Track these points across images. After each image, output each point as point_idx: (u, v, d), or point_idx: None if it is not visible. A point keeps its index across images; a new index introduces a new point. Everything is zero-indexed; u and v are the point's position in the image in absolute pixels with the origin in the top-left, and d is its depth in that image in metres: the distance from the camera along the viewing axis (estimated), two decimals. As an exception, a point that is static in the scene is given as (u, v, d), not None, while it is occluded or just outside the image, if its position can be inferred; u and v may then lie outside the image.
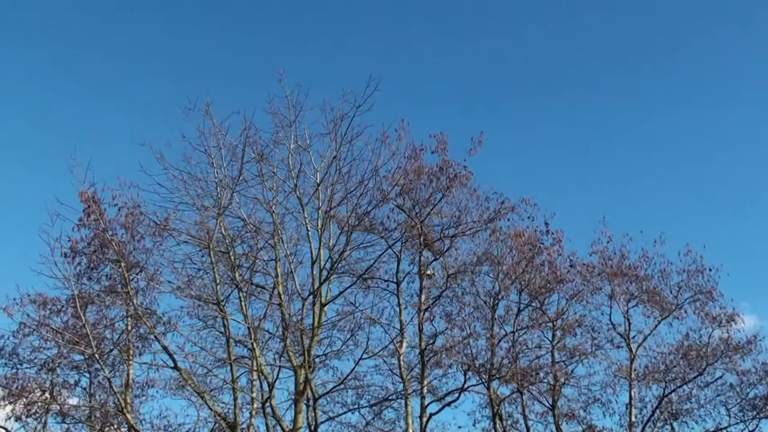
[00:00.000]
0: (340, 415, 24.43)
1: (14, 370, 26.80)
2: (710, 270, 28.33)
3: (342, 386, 23.46)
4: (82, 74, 65.32)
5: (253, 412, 24.20)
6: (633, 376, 28.16)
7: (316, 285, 21.56)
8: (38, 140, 61.42)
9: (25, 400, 26.12)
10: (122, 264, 21.38)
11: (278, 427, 20.93)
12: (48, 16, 66.31)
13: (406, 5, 69.40)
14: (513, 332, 26.17)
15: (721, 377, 28.64)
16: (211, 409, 21.33)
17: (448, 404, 24.81)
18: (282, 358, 21.85)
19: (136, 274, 22.72)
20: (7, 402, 26.20)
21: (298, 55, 64.51)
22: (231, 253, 21.70)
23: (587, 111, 65.47)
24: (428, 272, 26.60)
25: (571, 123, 65.15)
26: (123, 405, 22.46)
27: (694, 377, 28.35)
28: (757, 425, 28.53)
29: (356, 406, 25.14)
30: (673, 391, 28.54)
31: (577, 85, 67.88)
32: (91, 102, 63.98)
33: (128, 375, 26.06)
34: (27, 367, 26.99)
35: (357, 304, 24.17)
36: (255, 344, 21.17)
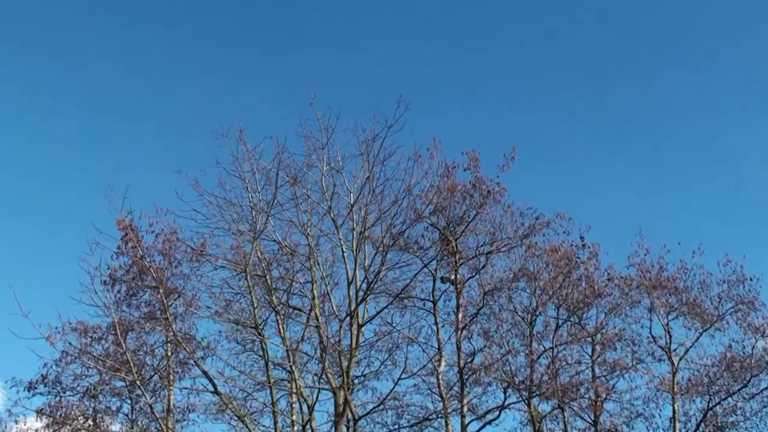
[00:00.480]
0: (380, 435, 24.39)
1: (58, 398, 27.16)
2: (751, 280, 27.85)
3: (381, 407, 23.48)
4: (117, 102, 66.29)
5: (294, 435, 24.23)
6: (676, 389, 27.73)
7: (353, 306, 21.60)
8: (76, 169, 62.47)
9: (69, 427, 26.43)
10: (161, 290, 21.58)
11: (319, 450, 20.93)
12: (80, 46, 67.44)
13: (431, 18, 69.47)
14: (552, 348, 25.96)
15: (766, 388, 28.11)
16: (252, 433, 21.39)
17: (489, 422, 24.65)
18: (321, 380, 21.91)
19: (175, 300, 22.89)
20: (51, 430, 26.54)
21: (327, 75, 64.78)
22: (267, 277, 21.81)
23: (621, 121, 64.75)
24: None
25: (604, 134, 64.59)
26: (165, 430, 22.61)
27: (739, 389, 27.85)
28: (805, 436, 27.96)
29: (396, 427, 25.11)
30: (718, 403, 28.07)
31: (605, 94, 67.25)
32: (127, 130, 64.88)
33: (169, 400, 26.21)
34: (70, 395, 27.34)
35: (394, 324, 24.24)
36: (294, 367, 21.24)
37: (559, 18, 69.54)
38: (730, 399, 28.24)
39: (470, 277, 26.24)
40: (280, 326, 21.91)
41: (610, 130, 64.48)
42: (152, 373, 25.47)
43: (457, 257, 25.32)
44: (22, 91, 61.94)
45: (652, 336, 28.32)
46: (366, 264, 22.40)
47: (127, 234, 23.05)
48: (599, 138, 64.17)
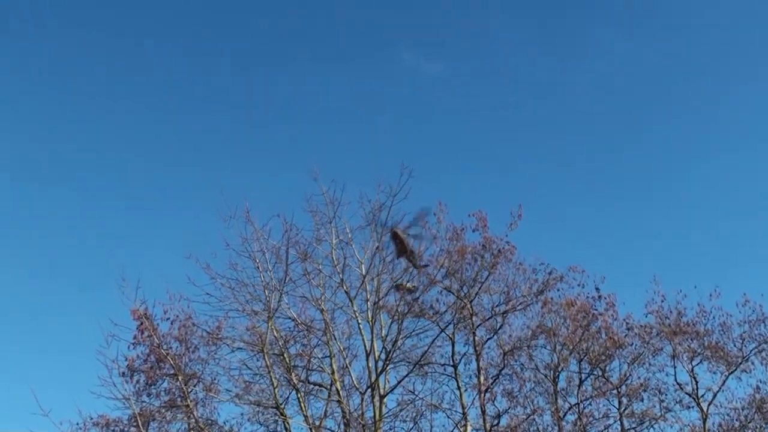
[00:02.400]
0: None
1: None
2: (772, 318, 27.59)
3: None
4: (122, 190, 66.89)
5: None
6: (709, 436, 27.24)
7: (373, 377, 21.43)
8: (86, 263, 62.60)
9: None
10: (179, 377, 21.52)
11: None
12: (83, 132, 68.21)
13: (429, 85, 70.49)
14: (578, 404, 25.64)
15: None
16: None
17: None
18: (347, 456, 21.62)
19: (194, 386, 22.79)
20: None
21: (329, 146, 65.38)
22: (285, 355, 21.74)
23: (624, 169, 65.02)
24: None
25: (606, 184, 64.73)
26: None
27: (772, 430, 27.33)
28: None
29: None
30: (752, 447, 27.52)
31: (608, 141, 67.69)
32: (134, 217, 65.29)
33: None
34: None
35: (416, 392, 24.03)
36: (319, 444, 21.01)
37: (560, 77, 70.57)
38: (764, 442, 27.68)
39: (489, 339, 26.06)
40: (302, 404, 21.72)
41: (612, 179, 64.71)
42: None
43: (473, 319, 25.18)
44: (26, 185, 62.71)
45: (678, 383, 27.94)
46: (383, 334, 22.32)
47: (142, 323, 23.07)
48: (603, 188, 64.34)
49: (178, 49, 69.01)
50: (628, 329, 27.10)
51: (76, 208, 65.40)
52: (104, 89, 66.79)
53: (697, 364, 28.01)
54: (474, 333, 25.60)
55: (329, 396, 21.90)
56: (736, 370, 27.67)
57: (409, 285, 26.59)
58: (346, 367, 22.16)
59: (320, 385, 22.62)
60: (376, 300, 22.29)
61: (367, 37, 71.73)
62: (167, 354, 22.11)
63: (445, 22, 70.90)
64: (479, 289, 25.03)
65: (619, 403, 27.44)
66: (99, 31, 67.76)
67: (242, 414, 23.61)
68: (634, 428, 27.37)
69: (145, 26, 69.48)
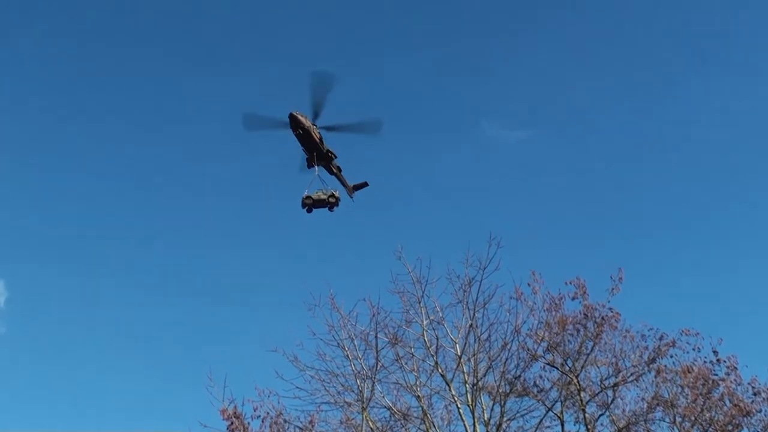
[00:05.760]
0: None
1: None
2: None
3: None
4: (203, 286, 67.46)
5: None
6: None
7: (479, 466, 19.98)
8: (173, 361, 62.62)
9: None
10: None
11: None
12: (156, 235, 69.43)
13: (505, 152, 69.62)
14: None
15: None
16: None
17: None
18: None
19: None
20: None
21: (412, 223, 64.84)
22: (383, 447, 20.57)
23: (737, 227, 62.26)
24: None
25: (708, 237, 61.98)
26: None
27: None
28: None
29: None
30: None
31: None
32: (217, 313, 65.53)
33: None
34: None
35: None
36: None
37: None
38: None
39: (601, 415, 24.12)
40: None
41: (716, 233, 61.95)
42: None
43: (582, 395, 23.40)
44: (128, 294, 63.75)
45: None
46: (485, 417, 21.08)
47: (232, 423, 22.20)
48: (710, 248, 61.62)
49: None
50: (754, 394, 24.73)
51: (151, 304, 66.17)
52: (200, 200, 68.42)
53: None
54: (584, 410, 23.73)
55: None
56: None
57: (321, 193, 27.29)
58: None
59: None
60: (475, 381, 21.11)
61: (449, 111, 71.91)
62: (261, 454, 21.15)
63: (526, 90, 70.72)
64: (585, 361, 23.36)
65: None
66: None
67: None
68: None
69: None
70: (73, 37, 76.30)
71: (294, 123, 30.24)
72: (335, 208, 31.42)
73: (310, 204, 31.01)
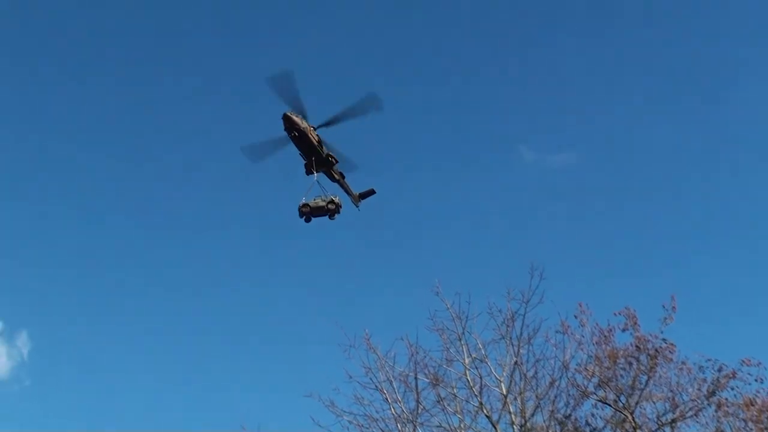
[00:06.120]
0: None
1: None
2: None
3: None
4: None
5: None
6: None
7: None
8: (202, 413, 61.19)
9: None
10: None
11: None
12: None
13: (551, 173, 68.27)
14: None
15: None
16: None
17: None
18: None
19: None
20: None
21: (449, 253, 63.60)
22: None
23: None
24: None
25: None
26: None
27: None
28: None
29: None
30: None
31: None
32: (247, 360, 64.33)
33: None
34: None
35: None
36: None
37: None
38: None
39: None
40: None
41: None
42: None
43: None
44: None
45: None
46: (536, 460, 19.84)
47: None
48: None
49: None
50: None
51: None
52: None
53: None
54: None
55: None
56: None
57: (319, 200, 25.78)
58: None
59: None
60: (523, 422, 20.00)
61: (485, 137, 70.92)
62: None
63: (565, 111, 69.50)
64: (639, 396, 22.12)
65: None
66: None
67: None
68: None
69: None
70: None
71: (288, 124, 28.52)
72: (336, 215, 29.72)
73: (308, 212, 29.30)
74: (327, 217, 29.61)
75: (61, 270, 72.18)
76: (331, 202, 29.55)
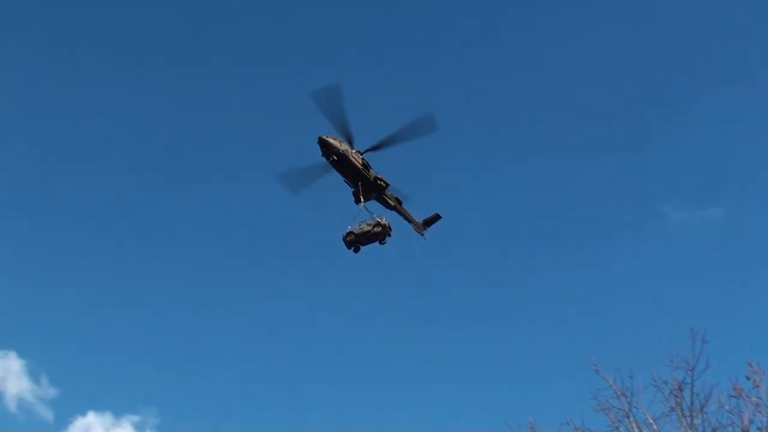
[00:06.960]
0: None
1: None
2: None
3: None
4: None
5: None
6: None
7: None
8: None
9: None
10: None
11: None
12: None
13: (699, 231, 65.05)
14: None
15: None
16: None
17: None
18: None
19: None
20: None
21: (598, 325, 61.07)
22: None
23: None
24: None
25: None
26: None
27: None
28: None
29: None
30: None
31: None
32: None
33: None
34: None
35: None
36: None
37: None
38: None
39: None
40: None
41: None
42: None
43: None
44: None
45: None
46: None
47: None
48: None
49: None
50: None
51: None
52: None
53: None
54: None
55: None
56: None
57: (364, 225, 25.44)
58: None
59: None
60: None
61: (627, 202, 68.76)
62: None
63: (704, 166, 66.83)
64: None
65: None
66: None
67: None
68: None
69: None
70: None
71: (325, 148, 26.29)
72: (387, 239, 26.84)
73: (353, 240, 26.57)
74: (377, 242, 27.05)
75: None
76: (377, 224, 27.12)
